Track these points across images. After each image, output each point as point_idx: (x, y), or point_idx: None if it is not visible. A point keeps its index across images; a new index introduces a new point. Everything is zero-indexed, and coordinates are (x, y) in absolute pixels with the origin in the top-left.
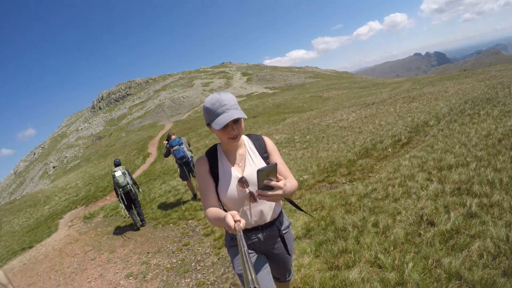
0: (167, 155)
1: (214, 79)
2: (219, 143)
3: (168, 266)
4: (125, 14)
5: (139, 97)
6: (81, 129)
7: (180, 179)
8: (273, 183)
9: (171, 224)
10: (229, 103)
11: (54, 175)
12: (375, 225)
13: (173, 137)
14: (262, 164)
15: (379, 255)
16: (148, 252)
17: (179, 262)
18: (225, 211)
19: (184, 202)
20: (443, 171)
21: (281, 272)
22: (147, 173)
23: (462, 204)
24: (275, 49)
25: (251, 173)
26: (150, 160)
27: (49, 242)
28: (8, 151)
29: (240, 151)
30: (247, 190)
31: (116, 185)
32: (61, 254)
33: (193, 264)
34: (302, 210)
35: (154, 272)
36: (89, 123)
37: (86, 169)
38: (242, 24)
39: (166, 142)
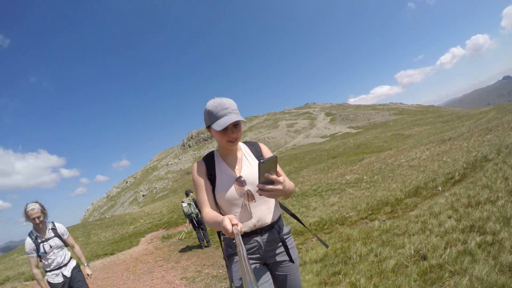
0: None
1: (298, 119)
2: (216, 150)
3: (215, 274)
4: (215, 57)
5: None
6: (171, 164)
7: None
8: (274, 177)
9: None
10: (230, 107)
11: (142, 203)
12: (376, 255)
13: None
14: (257, 164)
15: (361, 279)
16: (204, 265)
17: (224, 273)
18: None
19: None
20: (469, 208)
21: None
22: None
23: (463, 241)
24: (359, 87)
25: (248, 173)
26: None
27: (128, 252)
28: (103, 178)
29: (237, 155)
30: (245, 189)
31: (184, 213)
32: (136, 261)
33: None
34: (300, 222)
35: (202, 278)
36: (179, 159)
37: (172, 199)
38: (326, 64)
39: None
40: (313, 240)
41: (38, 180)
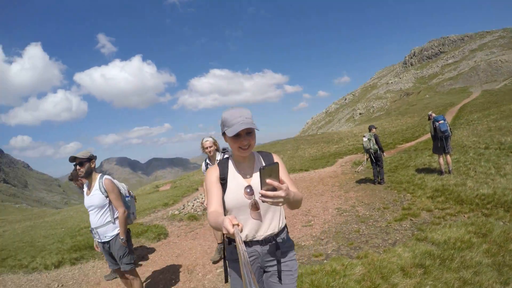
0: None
1: None
2: (231, 156)
3: (361, 215)
4: None
5: (452, 56)
6: (391, 82)
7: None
8: (276, 183)
9: (395, 191)
10: (244, 116)
11: (358, 121)
12: None
13: (433, 115)
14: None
15: None
16: (362, 202)
17: (375, 211)
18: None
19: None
20: None
21: None
22: (423, 143)
23: None
24: None
25: (257, 183)
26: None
27: (320, 171)
28: (324, 93)
29: (249, 164)
30: (252, 198)
31: (363, 147)
32: (319, 182)
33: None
34: None
35: (349, 214)
36: (399, 77)
37: (382, 123)
38: None
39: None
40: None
41: (264, 95)
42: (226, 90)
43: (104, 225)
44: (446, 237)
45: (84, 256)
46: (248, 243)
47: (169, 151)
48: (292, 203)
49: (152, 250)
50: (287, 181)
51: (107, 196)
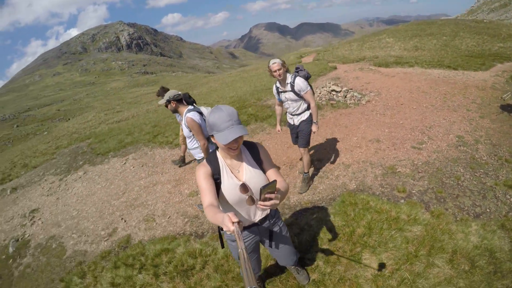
0: None
1: None
2: (218, 151)
3: (479, 150)
4: None
5: None
6: None
7: None
8: (272, 197)
9: None
10: (233, 118)
11: None
12: None
13: None
14: (257, 170)
15: None
16: (490, 138)
17: (495, 160)
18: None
19: None
20: None
21: (284, 257)
22: None
23: None
24: None
25: (250, 178)
26: None
27: (468, 75)
28: None
29: (238, 159)
30: (247, 195)
31: None
32: (460, 92)
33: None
34: None
35: (471, 142)
36: None
37: None
38: None
39: None
40: None
41: None
42: None
43: (193, 149)
44: None
45: None
46: (248, 226)
47: (319, 16)
48: (283, 200)
49: (270, 137)
50: (273, 174)
51: (190, 130)
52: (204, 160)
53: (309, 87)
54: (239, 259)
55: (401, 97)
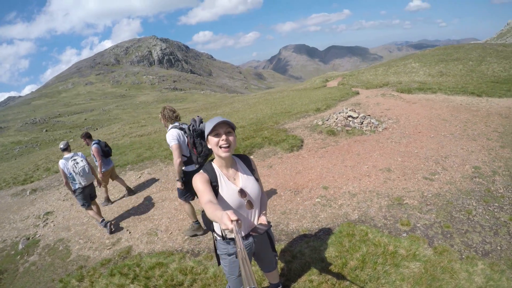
0: None
1: None
2: (213, 160)
3: (496, 182)
4: None
5: None
6: None
7: None
8: (265, 223)
9: None
10: (223, 118)
11: None
12: None
13: None
14: (251, 177)
15: None
16: (510, 170)
17: None
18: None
19: None
20: None
21: (267, 264)
22: None
23: None
24: None
25: (246, 185)
26: None
27: (492, 102)
28: None
29: (233, 168)
30: (246, 199)
31: None
32: (482, 120)
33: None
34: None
35: (487, 173)
36: None
37: None
38: None
39: None
40: None
41: None
42: None
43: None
44: None
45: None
46: (245, 237)
47: (348, 39)
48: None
49: (281, 161)
50: (260, 187)
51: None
52: (201, 170)
53: (174, 142)
54: (232, 273)
55: (420, 125)
